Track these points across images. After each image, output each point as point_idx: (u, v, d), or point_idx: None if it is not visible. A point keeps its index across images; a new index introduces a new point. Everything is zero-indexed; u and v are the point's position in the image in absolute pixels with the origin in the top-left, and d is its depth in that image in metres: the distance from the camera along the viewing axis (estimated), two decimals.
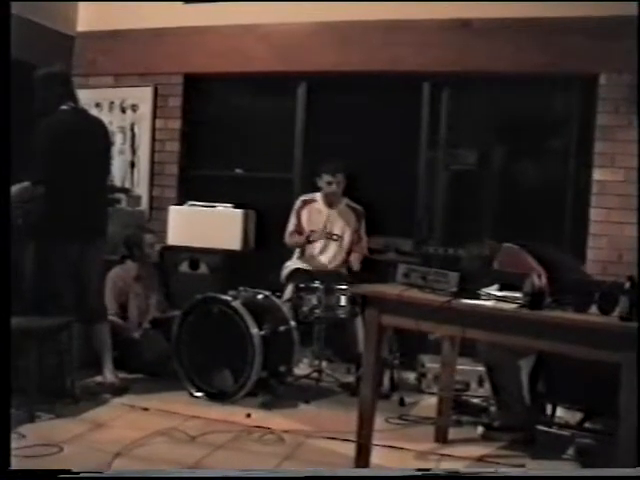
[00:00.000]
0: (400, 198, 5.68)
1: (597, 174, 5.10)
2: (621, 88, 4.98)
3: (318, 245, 5.16)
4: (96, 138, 4.44)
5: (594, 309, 3.08)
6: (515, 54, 5.18)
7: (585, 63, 5.07)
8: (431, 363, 4.70)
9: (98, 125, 4.54)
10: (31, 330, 3.94)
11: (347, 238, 5.16)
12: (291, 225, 5.21)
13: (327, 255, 5.16)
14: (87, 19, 6.24)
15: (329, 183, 5.09)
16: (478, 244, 4.16)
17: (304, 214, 5.20)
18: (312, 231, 5.14)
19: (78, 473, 2.44)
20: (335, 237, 5.16)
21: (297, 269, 5.08)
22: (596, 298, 3.07)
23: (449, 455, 3.67)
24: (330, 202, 5.16)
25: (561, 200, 5.38)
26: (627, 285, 2.99)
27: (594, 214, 5.10)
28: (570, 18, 5.05)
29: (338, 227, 5.17)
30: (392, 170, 5.68)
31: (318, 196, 5.21)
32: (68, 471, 2.35)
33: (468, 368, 4.53)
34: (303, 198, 5.26)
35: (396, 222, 5.58)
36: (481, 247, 4.07)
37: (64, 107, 4.31)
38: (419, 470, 2.98)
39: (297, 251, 5.22)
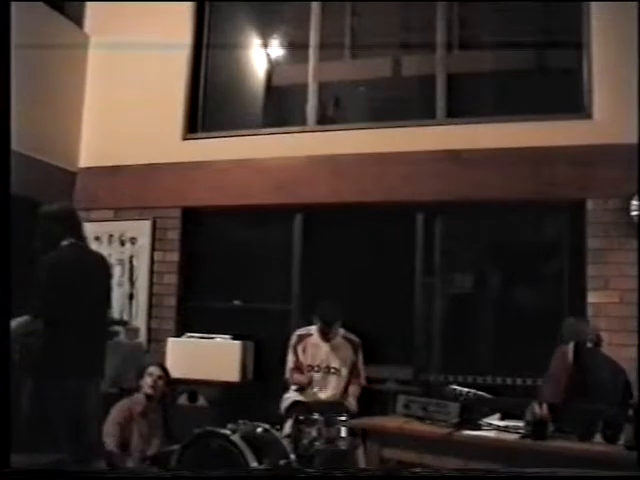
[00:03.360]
0: (398, 325, 5.68)
1: (591, 297, 5.14)
2: (608, 213, 5.11)
3: (317, 380, 5.11)
4: (97, 274, 4.46)
5: (599, 437, 3.06)
6: (503, 182, 5.34)
7: (571, 190, 5.22)
8: None
9: (100, 261, 4.54)
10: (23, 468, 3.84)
11: (345, 371, 5.12)
12: (290, 362, 5.17)
13: (326, 390, 5.10)
14: (89, 155, 6.45)
15: (325, 332, 5.10)
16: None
17: (300, 349, 5.17)
18: (310, 366, 5.11)
19: (78, 473, 2.35)
20: (333, 370, 5.12)
21: (296, 402, 5.02)
22: (600, 426, 3.06)
23: None
24: (326, 336, 5.15)
25: (558, 323, 5.39)
26: (631, 412, 2.98)
27: None
28: (554, 148, 5.25)
29: (335, 361, 5.13)
30: (389, 298, 5.73)
31: (314, 329, 5.20)
32: (68, 471, 2.26)
33: None
34: (298, 333, 5.25)
35: (395, 350, 5.58)
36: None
37: (65, 243, 4.34)
38: (417, 471, 2.85)
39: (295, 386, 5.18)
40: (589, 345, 4.01)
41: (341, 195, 5.69)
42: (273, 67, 6.51)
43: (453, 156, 5.47)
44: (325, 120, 6.07)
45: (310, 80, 6.09)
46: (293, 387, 5.15)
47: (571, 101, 5.45)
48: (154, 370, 5.09)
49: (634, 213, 4.92)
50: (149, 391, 5.03)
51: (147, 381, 5.04)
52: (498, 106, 5.74)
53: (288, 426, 4.80)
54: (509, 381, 5.18)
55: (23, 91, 5.63)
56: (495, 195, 5.36)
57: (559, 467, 2.97)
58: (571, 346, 3.86)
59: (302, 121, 6.08)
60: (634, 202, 4.91)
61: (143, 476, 2.62)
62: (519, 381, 5.15)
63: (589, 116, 5.28)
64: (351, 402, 5.01)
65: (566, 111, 5.40)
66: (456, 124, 5.61)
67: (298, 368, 5.15)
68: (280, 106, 6.57)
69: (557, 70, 5.73)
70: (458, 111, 5.71)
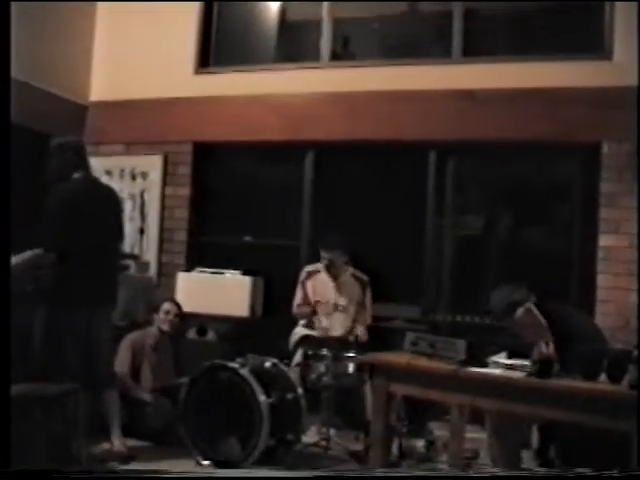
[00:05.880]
0: (408, 265, 5.71)
1: (602, 240, 5.14)
2: (622, 157, 5.06)
3: (324, 316, 5.16)
4: (108, 206, 4.49)
5: (603, 377, 3.08)
6: (518, 123, 5.28)
7: (587, 132, 5.17)
8: (440, 431, 4.65)
9: (110, 193, 4.59)
10: (36, 397, 3.91)
11: (352, 308, 5.16)
12: (298, 298, 5.22)
13: (334, 327, 5.14)
14: (100, 89, 6.41)
15: (324, 259, 5.14)
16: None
17: (309, 285, 5.22)
18: (317, 302, 5.16)
19: (78, 472, 2.41)
20: (340, 308, 5.17)
21: (306, 336, 5.08)
22: (605, 366, 3.08)
23: None
24: (334, 273, 5.19)
25: (568, 266, 5.40)
26: (635, 353, 3.00)
27: (601, 280, 5.11)
28: (571, 88, 5.17)
29: (343, 298, 5.17)
30: (399, 237, 5.73)
31: (322, 266, 5.24)
32: (68, 471, 2.33)
33: (477, 436, 4.47)
34: (308, 269, 5.29)
35: (404, 289, 5.61)
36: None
37: (76, 175, 4.36)
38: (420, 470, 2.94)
39: (303, 321, 5.23)
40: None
41: (354, 133, 5.65)
42: (287, 2, 6.39)
43: (468, 95, 5.40)
44: (339, 57, 5.99)
45: (324, 16, 5.99)
46: (301, 322, 5.22)
47: (591, 41, 5.34)
48: (170, 307, 5.10)
49: None
50: (164, 327, 5.06)
51: (162, 317, 5.06)
52: (515, 45, 5.65)
53: (298, 357, 4.86)
54: None
55: (34, 23, 5.58)
56: (509, 136, 5.31)
57: (564, 405, 3.01)
58: (531, 307, 3.77)
59: (316, 57, 6.00)
60: None
61: (143, 476, 2.65)
62: None
63: (609, 57, 5.19)
64: (361, 333, 5.05)
65: (585, 51, 5.30)
66: (472, 63, 5.52)
67: (305, 304, 5.20)
68: (293, 42, 6.48)
69: (578, 9, 5.59)
70: (474, 50, 5.62)
